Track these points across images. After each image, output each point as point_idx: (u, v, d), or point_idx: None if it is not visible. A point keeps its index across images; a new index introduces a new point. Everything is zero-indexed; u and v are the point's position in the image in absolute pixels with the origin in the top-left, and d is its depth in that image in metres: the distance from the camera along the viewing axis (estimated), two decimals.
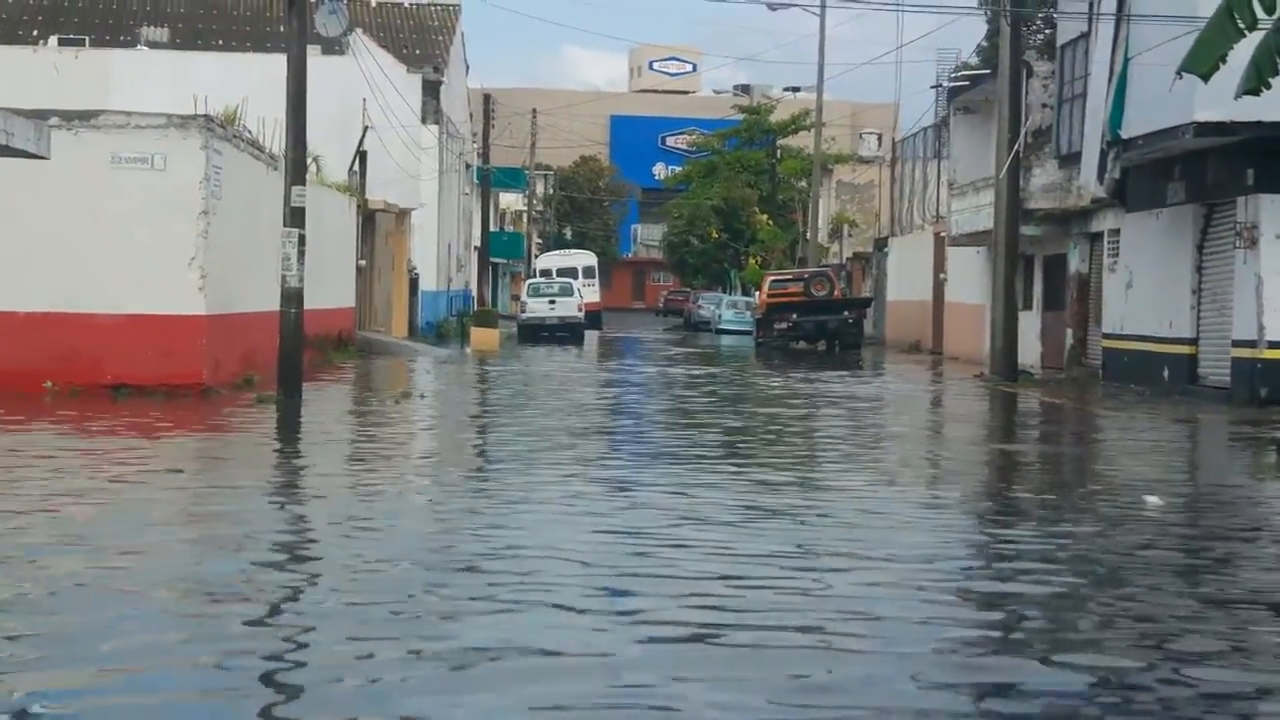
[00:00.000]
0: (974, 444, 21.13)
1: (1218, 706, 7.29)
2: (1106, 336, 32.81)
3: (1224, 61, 10.59)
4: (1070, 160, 33.41)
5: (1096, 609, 9.33)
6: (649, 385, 31.39)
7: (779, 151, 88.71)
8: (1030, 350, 36.68)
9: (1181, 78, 10.87)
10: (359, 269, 40.61)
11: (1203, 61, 10.62)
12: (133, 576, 9.65)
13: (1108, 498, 14.57)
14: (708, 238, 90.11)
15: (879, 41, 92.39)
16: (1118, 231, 32.44)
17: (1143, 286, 30.54)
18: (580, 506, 13.11)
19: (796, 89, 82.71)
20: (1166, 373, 29.07)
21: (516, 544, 10.96)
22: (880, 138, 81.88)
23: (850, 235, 71.73)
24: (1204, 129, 25.66)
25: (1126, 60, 28.69)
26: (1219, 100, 24.69)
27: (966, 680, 7.56)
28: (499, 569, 10.00)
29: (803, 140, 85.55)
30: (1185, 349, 28.66)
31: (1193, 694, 7.44)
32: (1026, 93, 35.28)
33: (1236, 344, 26.46)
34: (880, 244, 62.36)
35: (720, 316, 69.24)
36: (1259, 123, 24.94)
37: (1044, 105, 36.47)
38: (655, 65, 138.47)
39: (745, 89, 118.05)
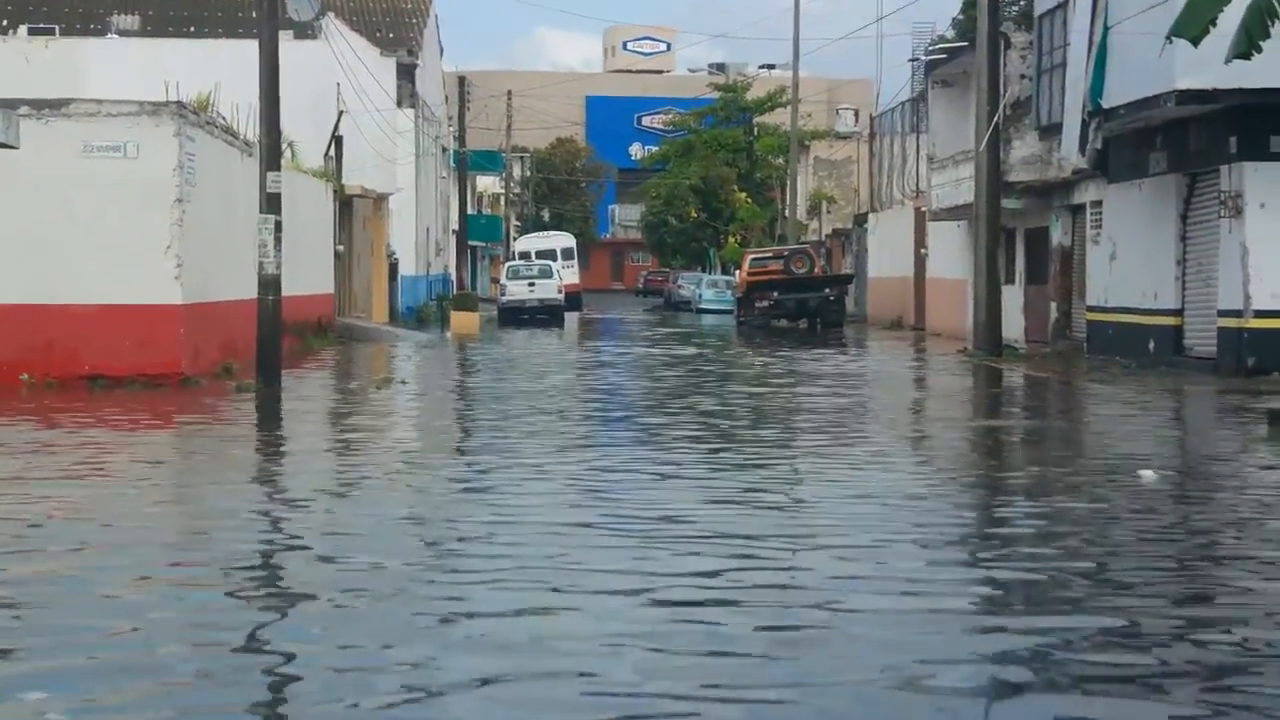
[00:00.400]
0: (962, 421, 20.91)
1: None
2: (1090, 309, 32.63)
3: (1214, 25, 10.36)
4: (1050, 132, 33.18)
5: (1100, 596, 9.11)
6: (634, 367, 31.15)
7: (756, 129, 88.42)
8: (1013, 324, 36.51)
9: (1172, 42, 10.62)
10: (337, 254, 40.32)
11: (1193, 25, 10.38)
12: (108, 579, 9.32)
13: (1102, 474, 14.37)
14: (686, 217, 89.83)
15: (852, 15, 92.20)
16: (1100, 203, 32.25)
17: (1126, 258, 30.36)
18: (569, 497, 12.82)
19: (771, 66, 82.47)
20: (1152, 344, 28.90)
21: (500, 540, 10.71)
22: (857, 113, 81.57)
23: (829, 212, 71.52)
24: (1186, 97, 25.44)
25: (1106, 29, 28.46)
26: (1201, 68, 24.52)
27: (952, 686, 7.34)
28: (482, 568, 9.74)
29: (778, 118, 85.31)
30: (1170, 320, 28.48)
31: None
32: (1004, 64, 35.03)
33: (1222, 314, 26.29)
34: (860, 220, 62.14)
35: (700, 296, 69.02)
36: (1241, 90, 24.73)
37: (1022, 76, 36.23)
38: (629, 45, 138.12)
39: (720, 67, 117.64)
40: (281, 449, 17.20)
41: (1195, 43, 10.44)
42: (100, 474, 14.11)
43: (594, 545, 10.40)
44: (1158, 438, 18.14)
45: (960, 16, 60.12)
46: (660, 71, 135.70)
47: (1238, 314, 25.69)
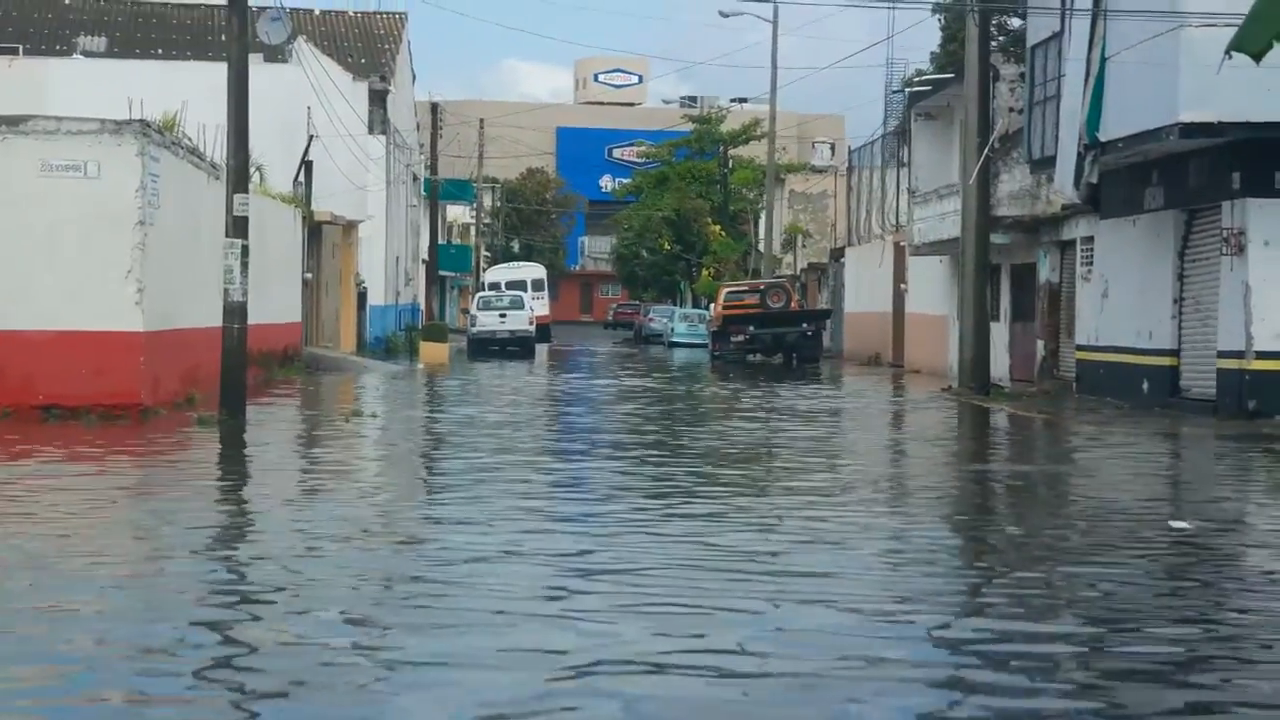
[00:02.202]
0: (958, 464, 19.88)
1: None
2: (1080, 348, 31.75)
3: (1278, 39, 9.47)
4: (1042, 165, 32.26)
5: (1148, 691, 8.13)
6: (608, 402, 30.13)
7: (730, 161, 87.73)
8: (999, 363, 35.60)
9: (1231, 57, 9.69)
10: (305, 282, 39.27)
11: (1256, 39, 9.46)
12: (59, 633, 8.31)
13: (1129, 525, 13.33)
14: (659, 249, 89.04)
15: (824, 51, 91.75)
16: (1090, 239, 31.41)
17: (1119, 296, 29.49)
18: (537, 547, 11.53)
19: (744, 100, 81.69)
20: (1146, 385, 28.03)
21: (465, 597, 9.71)
22: (833, 147, 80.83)
23: (804, 246, 70.69)
24: (1189, 130, 24.55)
25: (1104, 60, 27.57)
26: (1205, 100, 23.76)
27: None
28: (447, 623, 8.75)
29: (752, 151, 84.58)
30: (1166, 360, 27.60)
31: None
32: (993, 96, 34.20)
33: (1222, 355, 25.41)
34: (837, 254, 61.33)
35: (673, 329, 68.28)
36: (1247, 123, 23.94)
37: (1011, 109, 35.46)
38: (601, 77, 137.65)
39: (692, 100, 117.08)
40: (244, 489, 16.08)
41: (1258, 59, 9.52)
42: (43, 515, 12.99)
43: (559, 607, 9.39)
44: (1179, 484, 17.22)
45: (938, 50, 59.54)
46: (632, 104, 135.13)
47: (1239, 355, 24.82)
